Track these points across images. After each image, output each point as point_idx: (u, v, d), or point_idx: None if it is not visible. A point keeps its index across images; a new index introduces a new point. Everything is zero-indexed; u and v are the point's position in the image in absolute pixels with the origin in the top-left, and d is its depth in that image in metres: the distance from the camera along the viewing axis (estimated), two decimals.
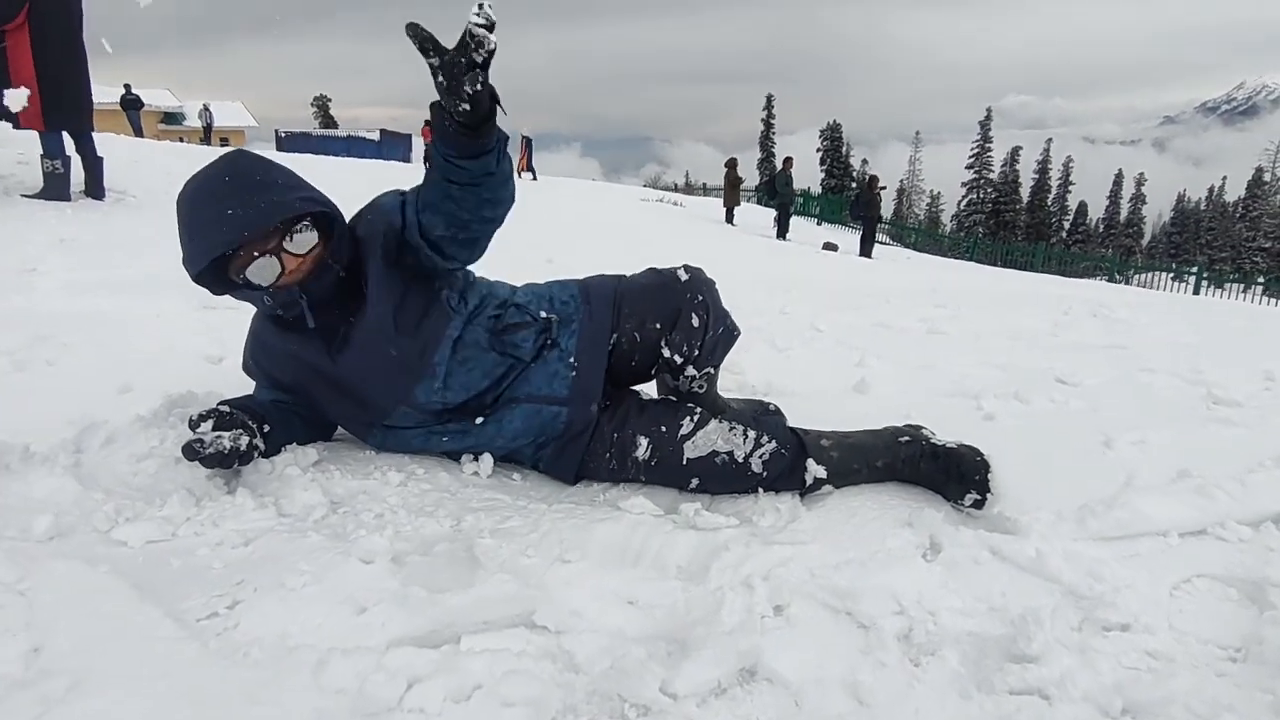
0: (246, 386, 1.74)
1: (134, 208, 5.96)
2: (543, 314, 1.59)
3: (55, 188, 5.50)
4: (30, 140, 6.72)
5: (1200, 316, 5.62)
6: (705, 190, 34.40)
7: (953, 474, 1.52)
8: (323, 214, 1.46)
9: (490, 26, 1.14)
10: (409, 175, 15.50)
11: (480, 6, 1.13)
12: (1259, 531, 1.53)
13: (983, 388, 2.50)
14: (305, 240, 1.42)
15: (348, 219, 1.54)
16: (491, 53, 1.16)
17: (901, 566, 1.26)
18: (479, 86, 1.18)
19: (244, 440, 1.39)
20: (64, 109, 5.36)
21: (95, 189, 5.86)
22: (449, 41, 1.17)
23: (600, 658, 0.97)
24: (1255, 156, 55.92)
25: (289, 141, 32.28)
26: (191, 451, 1.33)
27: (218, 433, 1.36)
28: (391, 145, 32.52)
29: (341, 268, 1.48)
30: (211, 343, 2.40)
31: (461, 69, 1.16)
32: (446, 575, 1.15)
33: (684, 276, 1.59)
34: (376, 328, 1.48)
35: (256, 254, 1.39)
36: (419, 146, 24.69)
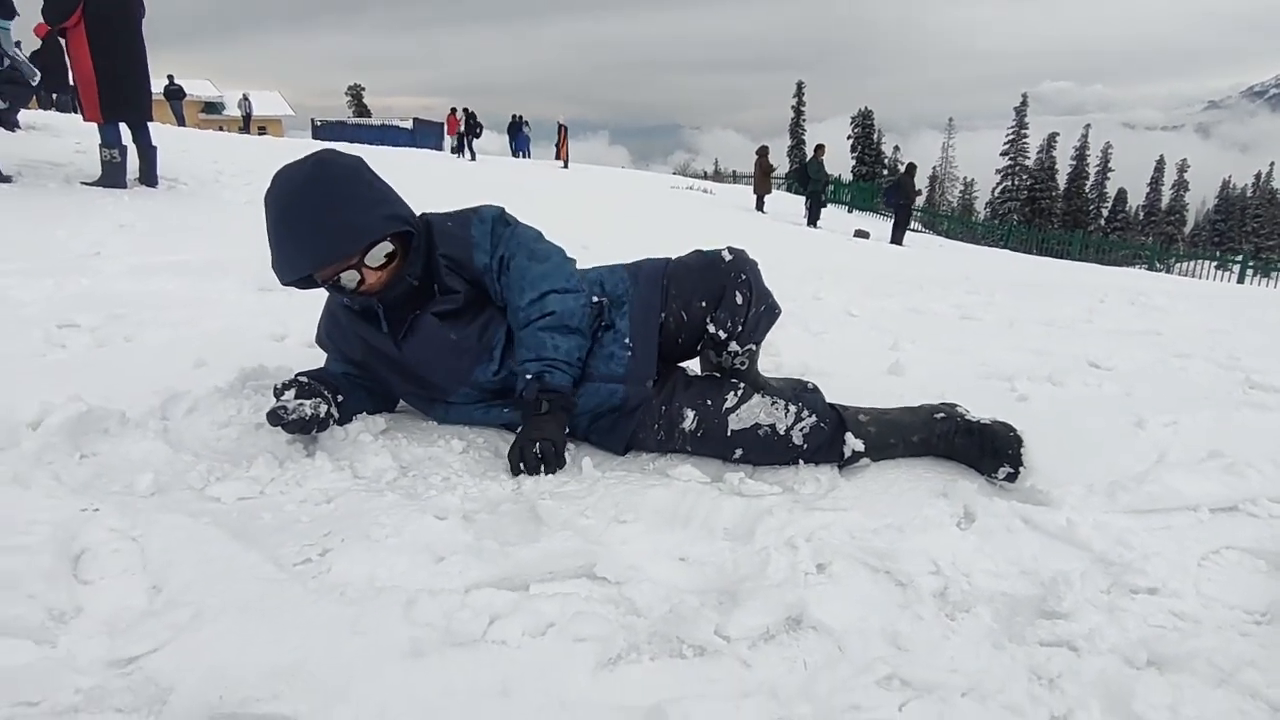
0: (310, 361, 1.86)
1: (185, 195, 6.17)
2: (595, 298, 1.68)
3: (112, 175, 5.72)
4: (86, 130, 6.98)
5: (1240, 305, 5.54)
6: (735, 178, 34.22)
7: (987, 449, 1.58)
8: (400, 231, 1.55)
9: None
10: (442, 163, 15.69)
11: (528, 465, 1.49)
12: None
13: (1016, 371, 2.54)
14: (381, 255, 1.53)
15: (439, 216, 1.66)
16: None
17: (937, 532, 1.33)
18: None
19: (322, 408, 1.52)
20: (122, 102, 5.60)
21: (150, 177, 6.07)
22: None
23: (658, 604, 1.06)
24: None
25: (324, 130, 32.76)
26: (276, 417, 1.46)
27: (299, 400, 1.48)
28: (425, 133, 32.86)
29: (415, 279, 1.59)
30: (274, 323, 2.53)
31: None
32: (514, 531, 1.25)
33: (728, 257, 1.67)
34: (441, 321, 1.60)
35: (341, 270, 1.51)
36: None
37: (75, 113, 9.70)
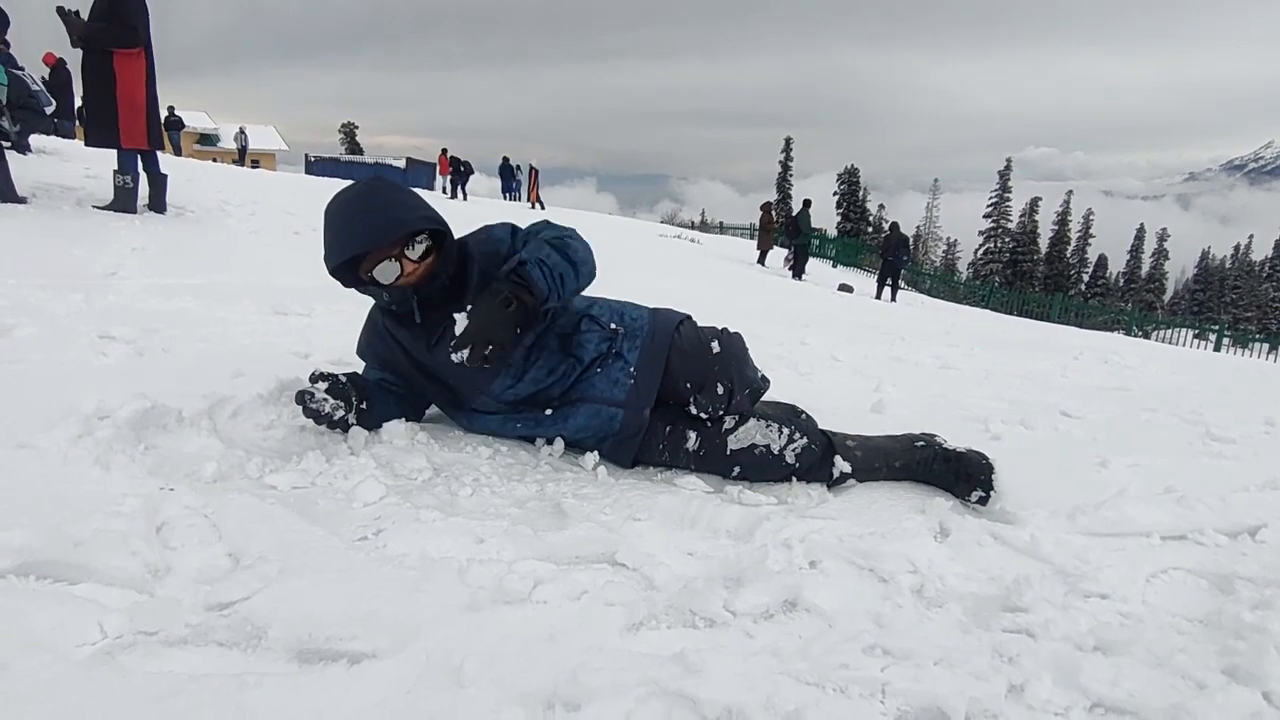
0: None
1: (193, 222, 6.35)
2: (612, 325, 1.85)
3: (124, 201, 5.89)
4: (95, 156, 7.18)
5: (1209, 368, 5.81)
6: (721, 228, 34.99)
7: (961, 475, 1.76)
8: (437, 230, 1.75)
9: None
10: (437, 203, 16.03)
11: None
12: (1235, 540, 1.74)
13: (990, 414, 2.73)
14: (420, 248, 1.73)
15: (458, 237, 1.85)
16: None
17: (915, 540, 1.49)
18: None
19: (340, 413, 1.68)
20: (159, 130, 5.85)
21: (159, 204, 6.25)
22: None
23: (673, 583, 1.22)
24: None
25: (317, 166, 33.29)
26: (300, 399, 1.63)
27: (326, 396, 1.64)
28: (417, 173, 33.42)
29: (447, 276, 1.78)
30: (296, 341, 2.70)
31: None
32: (543, 522, 1.40)
33: (716, 349, 1.82)
34: None
35: (382, 258, 1.69)
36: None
37: (73, 138, 9.92)
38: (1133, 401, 3.48)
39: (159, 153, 6.17)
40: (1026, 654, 1.15)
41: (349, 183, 1.79)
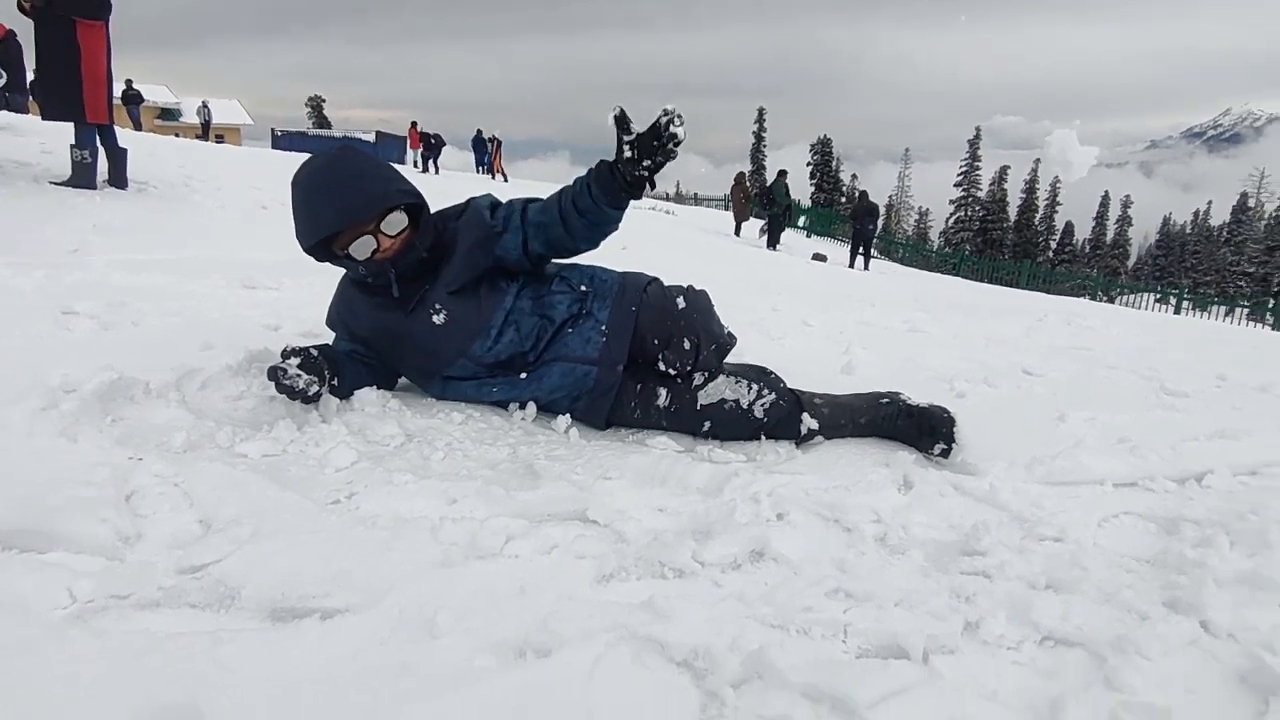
0: None
1: (156, 198, 6.19)
2: (583, 287, 1.87)
3: (83, 176, 5.73)
4: (49, 130, 6.95)
5: (1167, 329, 5.97)
6: (697, 200, 34.91)
7: (924, 429, 1.81)
8: (413, 204, 1.75)
9: (680, 133, 1.61)
10: (409, 177, 15.77)
11: (680, 118, 1.60)
12: (1183, 486, 1.81)
13: (956, 374, 2.80)
14: (397, 223, 1.73)
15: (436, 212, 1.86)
16: (679, 144, 1.63)
17: (879, 492, 1.54)
18: (660, 165, 1.63)
19: (314, 388, 1.67)
20: (113, 103, 5.68)
21: (119, 179, 6.09)
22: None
23: (643, 536, 1.25)
24: (1240, 183, 57.17)
25: (284, 140, 32.52)
26: (273, 374, 1.62)
27: (299, 372, 1.64)
28: (387, 146, 32.83)
29: (425, 249, 1.78)
30: (266, 314, 2.67)
31: (652, 150, 1.60)
32: (515, 482, 1.43)
33: (681, 305, 1.83)
34: (449, 295, 1.79)
35: (358, 234, 1.68)
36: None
37: (25, 113, 9.56)
38: (1093, 360, 3.57)
39: (116, 127, 6.01)
40: (983, 593, 1.20)
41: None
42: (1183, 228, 63.70)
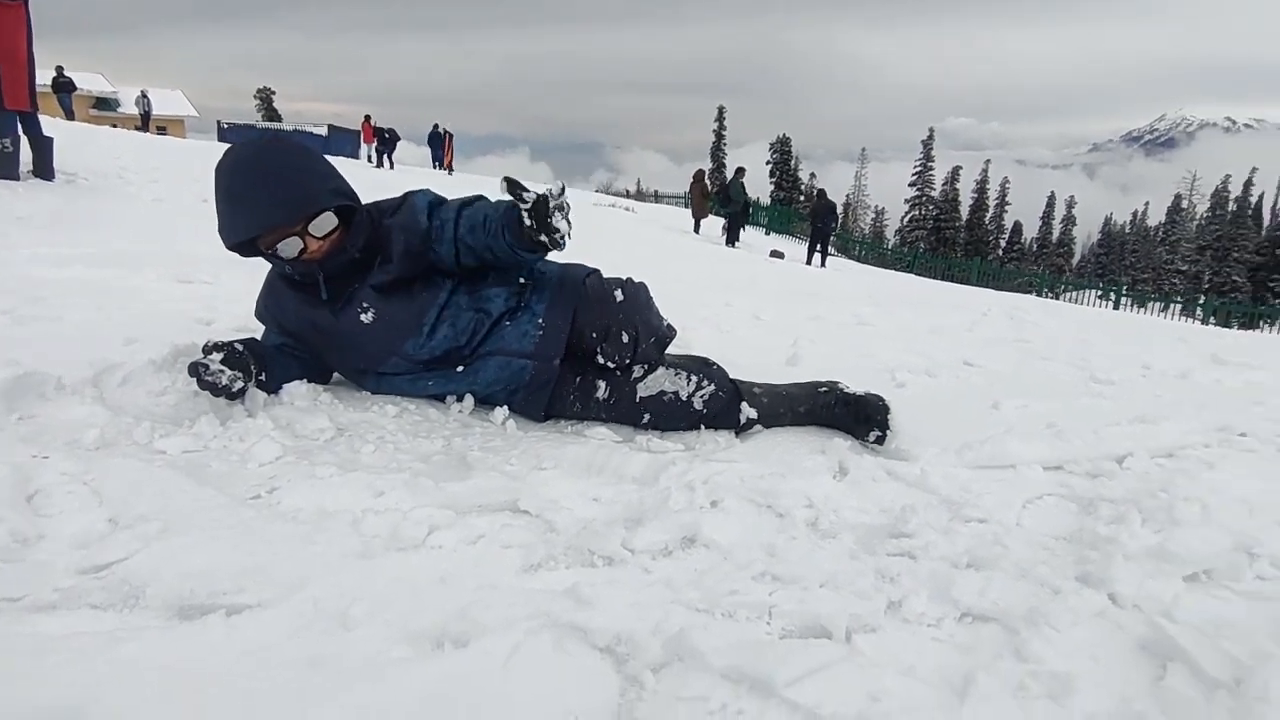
0: None
1: (87, 190, 5.97)
2: (520, 280, 1.84)
3: (4, 166, 5.49)
4: None
5: (1103, 323, 6.18)
6: (657, 197, 34.98)
7: (860, 417, 1.84)
8: (344, 205, 1.69)
9: (563, 227, 1.59)
10: (361, 172, 15.48)
11: (565, 206, 1.59)
12: (1101, 467, 1.88)
13: (899, 365, 2.85)
14: (325, 225, 1.67)
15: (370, 204, 1.80)
16: (563, 236, 1.60)
17: (814, 479, 1.56)
18: (560, 232, 1.58)
19: (238, 384, 1.61)
20: (35, 90, 5.43)
21: (44, 169, 5.85)
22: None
23: (574, 525, 1.24)
24: (1174, 185, 59.51)
25: (232, 133, 31.60)
26: (194, 371, 1.56)
27: (222, 367, 1.58)
28: (340, 140, 32.10)
29: (356, 250, 1.73)
30: (200, 308, 2.59)
31: (546, 212, 1.54)
32: (446, 474, 1.40)
33: (619, 298, 1.81)
34: (378, 293, 1.74)
35: (284, 235, 1.63)
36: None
37: None
38: (1031, 352, 3.67)
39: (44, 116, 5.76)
40: (907, 574, 1.22)
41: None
42: (1123, 227, 66.09)
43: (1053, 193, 63.89)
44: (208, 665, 0.83)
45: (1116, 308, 18.93)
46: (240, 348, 1.65)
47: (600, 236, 10.35)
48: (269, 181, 1.58)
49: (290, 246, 1.65)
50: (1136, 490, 1.60)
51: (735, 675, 0.92)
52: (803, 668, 0.94)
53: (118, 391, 1.70)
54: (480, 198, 1.80)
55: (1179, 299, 22.16)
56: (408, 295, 1.77)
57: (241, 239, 1.62)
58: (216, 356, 1.59)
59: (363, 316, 1.75)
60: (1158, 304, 20.44)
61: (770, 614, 1.07)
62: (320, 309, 1.76)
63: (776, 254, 14.78)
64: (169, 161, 8.72)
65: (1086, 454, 1.92)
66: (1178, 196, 57.42)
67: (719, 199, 16.98)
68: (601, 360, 1.79)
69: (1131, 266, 55.97)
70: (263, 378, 1.70)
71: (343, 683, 0.82)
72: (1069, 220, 62.35)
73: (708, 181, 17.42)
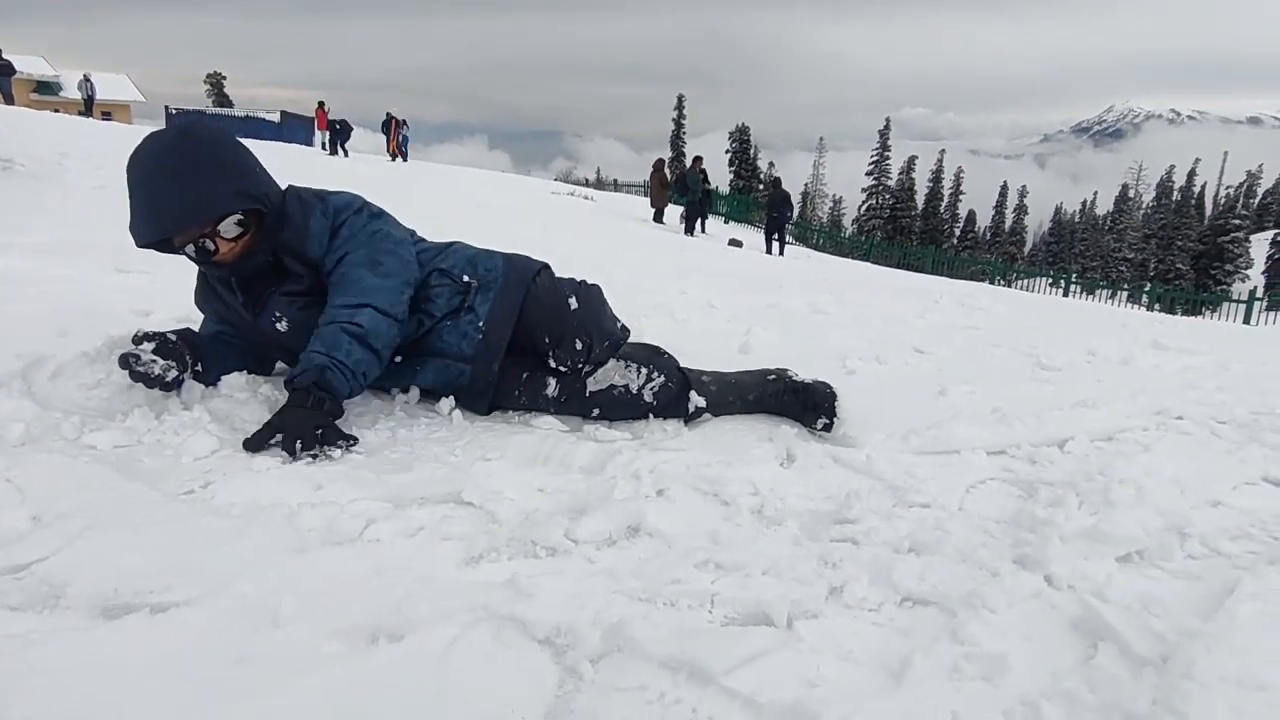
0: None
1: (24, 177, 5.71)
2: (465, 278, 1.78)
3: None
4: None
5: (1051, 309, 6.36)
6: (616, 186, 34.87)
7: (808, 404, 1.86)
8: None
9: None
10: (314, 161, 15.09)
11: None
12: (1042, 451, 1.93)
13: (850, 352, 2.88)
14: (234, 223, 1.59)
15: (297, 194, 1.71)
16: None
17: (761, 466, 1.57)
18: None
19: (171, 373, 1.56)
20: None
21: None
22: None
23: (516, 516, 1.23)
24: (1121, 175, 61.37)
25: (180, 119, 30.50)
26: (124, 362, 1.51)
27: (154, 358, 1.53)
28: (293, 127, 31.21)
29: (269, 254, 1.65)
30: (137, 298, 2.49)
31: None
32: (388, 466, 1.38)
33: (574, 305, 1.78)
34: (290, 299, 1.68)
35: (192, 237, 1.57)
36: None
37: None
38: (980, 338, 3.76)
39: None
40: (849, 559, 1.24)
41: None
42: (1073, 216, 68.01)
43: (1005, 182, 65.35)
44: (129, 666, 0.81)
45: (1066, 295, 19.46)
46: (173, 338, 1.60)
47: (559, 225, 10.28)
48: (178, 181, 1.50)
49: (199, 248, 1.58)
50: (1075, 473, 1.65)
51: (674, 664, 0.92)
52: (742, 655, 0.94)
53: (47, 385, 1.64)
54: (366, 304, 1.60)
55: (1126, 286, 22.90)
56: (319, 299, 1.67)
57: (147, 242, 1.56)
58: (148, 347, 1.54)
59: (278, 325, 1.68)
60: (1106, 291, 21.07)
61: (712, 602, 1.08)
62: (242, 310, 1.71)
63: (735, 242, 14.85)
64: (113, 148, 8.36)
65: (1029, 438, 1.97)
66: (1125, 186, 59.29)
67: (676, 188, 16.97)
68: (554, 365, 1.77)
69: (1081, 255, 57.59)
70: (199, 368, 1.65)
71: (271, 681, 0.81)
72: (1021, 209, 63.83)
73: (667, 171, 17.38)
